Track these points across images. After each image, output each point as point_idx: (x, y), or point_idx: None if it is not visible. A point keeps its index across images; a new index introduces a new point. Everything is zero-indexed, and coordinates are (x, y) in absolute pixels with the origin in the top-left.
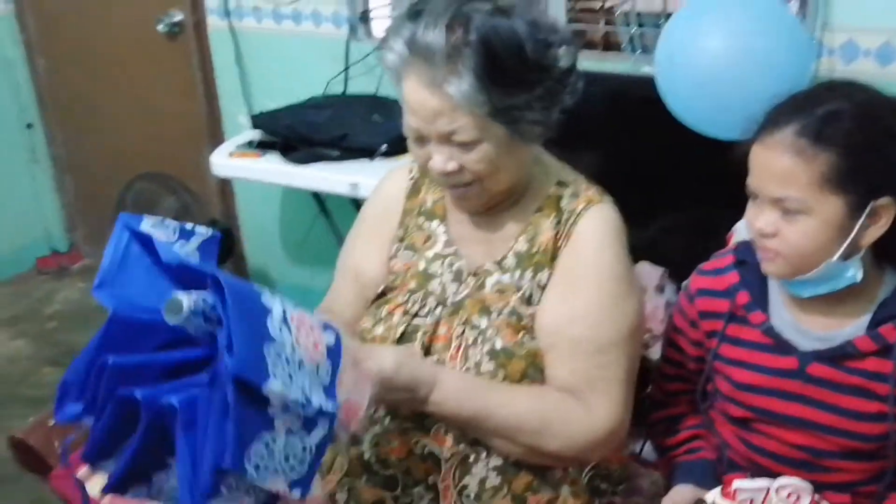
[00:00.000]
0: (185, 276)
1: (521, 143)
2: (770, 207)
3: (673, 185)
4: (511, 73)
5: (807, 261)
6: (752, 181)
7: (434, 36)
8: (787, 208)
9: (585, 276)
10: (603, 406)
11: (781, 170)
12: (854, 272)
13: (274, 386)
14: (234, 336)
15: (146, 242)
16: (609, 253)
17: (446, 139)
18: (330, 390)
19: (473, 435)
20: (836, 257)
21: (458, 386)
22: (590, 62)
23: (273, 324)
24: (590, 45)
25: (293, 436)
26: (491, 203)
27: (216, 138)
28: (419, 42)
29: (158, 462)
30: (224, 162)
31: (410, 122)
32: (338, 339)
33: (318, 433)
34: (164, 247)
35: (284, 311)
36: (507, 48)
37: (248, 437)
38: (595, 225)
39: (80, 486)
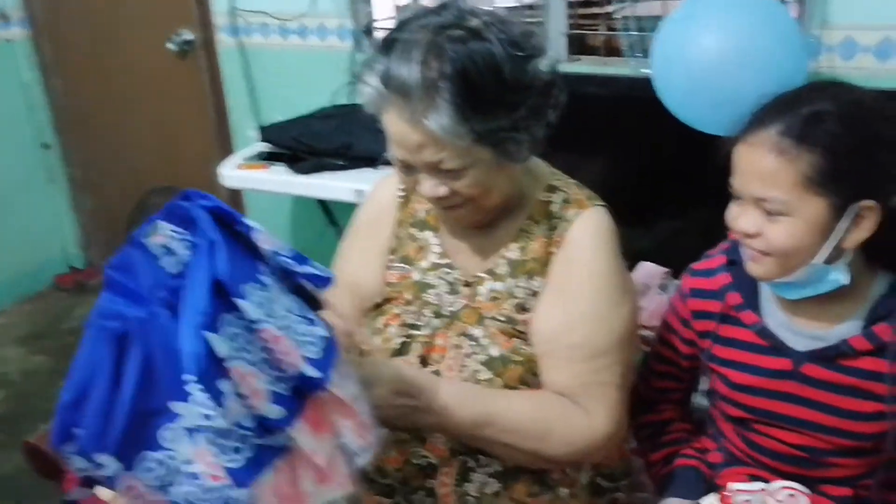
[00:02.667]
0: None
1: (509, 161)
2: (753, 207)
3: (678, 187)
4: (491, 99)
5: (790, 262)
6: (736, 181)
7: (408, 71)
8: (770, 209)
9: (579, 282)
10: (601, 411)
11: (764, 170)
12: (838, 276)
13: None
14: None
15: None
16: (602, 258)
17: (433, 168)
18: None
19: (475, 444)
20: (819, 260)
21: (459, 392)
22: (591, 67)
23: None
24: (591, 51)
25: (295, 317)
26: (486, 219)
27: (226, 152)
28: (394, 78)
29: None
30: (232, 174)
31: (395, 153)
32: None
33: (320, 330)
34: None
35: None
36: (485, 74)
37: (240, 275)
38: (587, 231)
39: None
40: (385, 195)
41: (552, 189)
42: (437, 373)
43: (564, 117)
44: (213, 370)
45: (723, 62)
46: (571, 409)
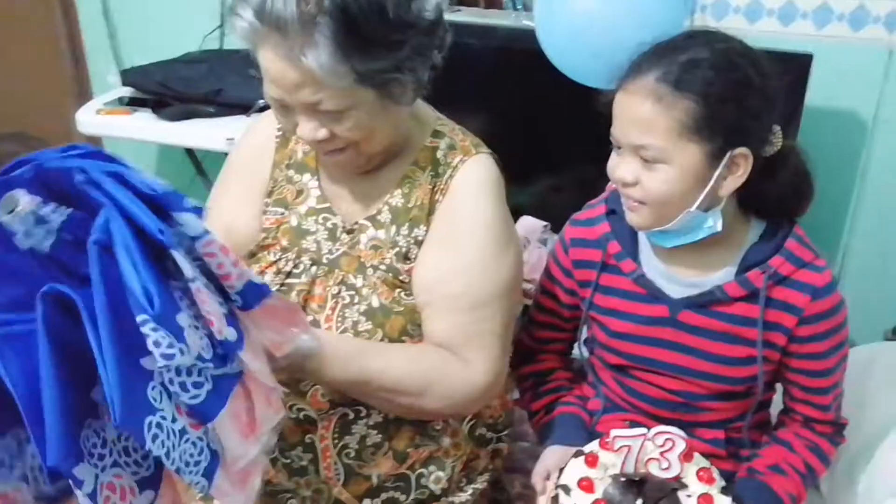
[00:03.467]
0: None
1: (394, 104)
2: (631, 156)
3: (558, 141)
4: (373, 37)
5: (667, 210)
6: (615, 129)
7: (284, 5)
8: (647, 156)
9: (463, 231)
10: (480, 361)
11: (642, 116)
12: (713, 222)
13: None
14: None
15: None
16: (487, 207)
17: (312, 109)
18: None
19: (354, 397)
20: (694, 207)
21: (334, 354)
22: (471, 17)
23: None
24: (471, 2)
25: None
26: (369, 165)
27: (84, 97)
28: (269, 12)
29: None
30: (91, 120)
31: (272, 93)
32: None
33: None
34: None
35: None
36: (367, 11)
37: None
38: (472, 178)
39: None
40: (261, 135)
41: (438, 135)
42: (315, 323)
43: (442, 68)
44: (167, 305)
45: (604, 15)
46: (450, 362)
